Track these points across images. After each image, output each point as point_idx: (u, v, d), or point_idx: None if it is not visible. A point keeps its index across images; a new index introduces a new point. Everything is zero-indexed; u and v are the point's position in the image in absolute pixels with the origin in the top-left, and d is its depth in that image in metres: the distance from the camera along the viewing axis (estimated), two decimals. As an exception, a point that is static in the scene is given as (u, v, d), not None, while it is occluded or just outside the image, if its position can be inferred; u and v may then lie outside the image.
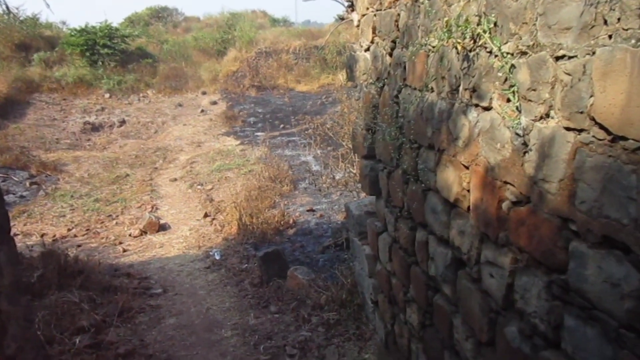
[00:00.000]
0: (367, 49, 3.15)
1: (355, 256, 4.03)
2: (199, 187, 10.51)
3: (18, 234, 8.65)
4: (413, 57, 2.36)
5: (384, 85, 2.91)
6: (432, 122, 2.29)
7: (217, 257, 6.44)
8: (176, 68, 21.70)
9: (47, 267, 5.48)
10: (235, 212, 7.76)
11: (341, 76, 21.50)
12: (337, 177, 9.34)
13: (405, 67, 2.55)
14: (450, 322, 2.34)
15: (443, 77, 2.12)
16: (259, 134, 15.33)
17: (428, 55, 2.23)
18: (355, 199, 8.48)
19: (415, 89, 2.45)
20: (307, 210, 8.17)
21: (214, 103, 19.41)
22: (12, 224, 9.22)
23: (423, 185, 2.46)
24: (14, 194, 11.26)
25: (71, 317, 4.38)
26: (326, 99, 19.67)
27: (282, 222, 7.46)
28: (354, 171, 7.05)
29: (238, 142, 14.62)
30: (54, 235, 8.51)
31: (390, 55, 2.76)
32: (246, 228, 7.06)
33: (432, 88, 2.27)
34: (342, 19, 4.13)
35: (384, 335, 3.59)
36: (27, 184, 11.89)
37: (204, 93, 20.61)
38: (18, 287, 3.61)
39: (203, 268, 6.21)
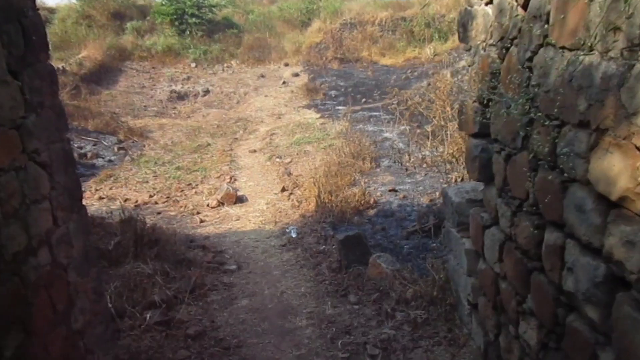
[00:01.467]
0: (490, 2, 2.56)
1: (450, 249, 3.50)
2: (277, 159, 10.27)
3: (104, 198, 8.87)
4: (565, 3, 1.77)
5: (510, 46, 2.32)
6: (588, 92, 1.70)
7: (294, 235, 6.13)
8: (260, 39, 21.59)
9: (125, 235, 5.41)
10: (313, 188, 7.40)
11: (428, 50, 20.47)
12: (422, 156, 8.71)
13: (548, 20, 1.96)
14: (594, 355, 1.79)
15: (616, 29, 1.53)
16: (340, 107, 14.86)
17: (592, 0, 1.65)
18: (442, 180, 7.83)
19: (562, 48, 1.87)
20: (389, 190, 7.64)
21: (296, 75, 19.12)
22: (99, 187, 9.50)
23: (564, 174, 1.89)
24: (103, 157, 11.66)
25: (143, 290, 4.22)
26: (411, 73, 18.78)
27: (362, 202, 7.00)
28: (445, 150, 6.42)
29: (318, 115, 14.26)
30: (137, 201, 8.62)
31: (524, 6, 2.17)
32: (324, 206, 6.68)
33: (591, 46, 1.68)
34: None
35: (483, 345, 3.07)
36: (115, 148, 12.28)
37: (286, 64, 20.37)
38: (88, 258, 3.43)
39: (279, 245, 5.92)
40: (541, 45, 2.04)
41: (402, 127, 11.40)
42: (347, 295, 4.25)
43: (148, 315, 3.93)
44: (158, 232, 5.86)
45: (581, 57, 1.74)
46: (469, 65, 2.77)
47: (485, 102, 2.59)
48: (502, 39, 2.40)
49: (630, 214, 1.55)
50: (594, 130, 1.70)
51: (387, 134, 11.22)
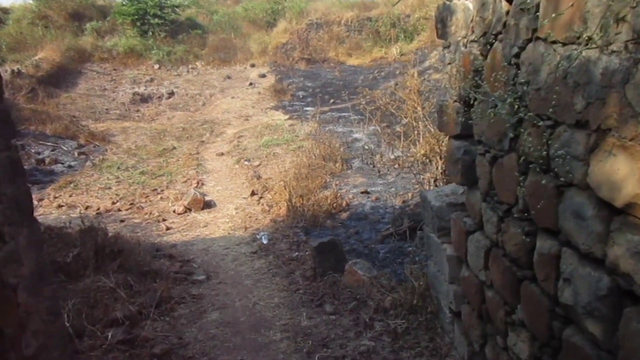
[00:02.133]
0: (471, -5, 2.43)
1: (430, 255, 3.36)
2: (246, 162, 10.02)
3: (63, 206, 8.45)
4: (558, -6, 1.64)
5: (494, 41, 2.19)
6: (586, 90, 1.57)
7: (265, 242, 5.91)
8: (225, 39, 21.22)
9: (85, 246, 5.10)
10: (284, 191, 7.20)
11: (395, 50, 20.53)
12: (394, 157, 8.62)
13: (537, 13, 1.83)
14: (595, 373, 1.66)
15: (620, 20, 1.40)
16: (308, 108, 14.69)
17: (589, -11, 1.51)
18: (414, 181, 7.75)
19: (554, 42, 1.73)
20: (362, 192, 7.51)
21: (263, 76, 18.86)
22: (58, 194, 9.04)
23: (560, 178, 1.75)
24: (62, 163, 11.15)
25: (105, 306, 3.94)
26: (379, 73, 18.78)
27: (334, 205, 6.85)
28: (417, 150, 6.32)
29: (287, 116, 14.05)
30: (98, 208, 8.24)
31: (509, -1, 2.04)
32: (296, 210, 6.49)
33: (589, 39, 1.54)
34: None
35: (467, 355, 2.94)
36: (76, 153, 11.77)
37: (252, 65, 20.08)
38: (42, 275, 3.14)
39: (249, 253, 5.70)
40: (530, 40, 1.90)
41: (372, 128, 11.31)
42: (323, 304, 4.06)
43: (110, 334, 3.65)
44: (121, 242, 5.55)
45: (576, 52, 1.61)
46: (449, 63, 2.63)
47: (467, 101, 2.45)
48: (484, 34, 2.26)
49: (638, 222, 1.42)
50: (593, 130, 1.57)
51: (357, 135, 11.12)
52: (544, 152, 1.83)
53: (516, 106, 1.98)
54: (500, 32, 2.13)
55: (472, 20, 2.41)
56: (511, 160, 2.10)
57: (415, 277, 3.64)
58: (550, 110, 1.75)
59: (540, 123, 1.84)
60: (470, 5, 2.42)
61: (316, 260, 4.44)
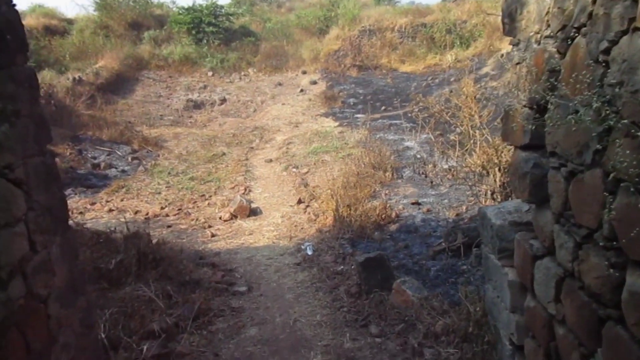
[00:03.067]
0: (545, -16, 2.10)
1: (488, 278, 3.02)
2: (294, 169, 9.86)
3: (114, 210, 8.56)
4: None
5: (575, 36, 1.86)
6: None
7: (309, 253, 5.68)
8: (277, 47, 21.32)
9: (129, 252, 5.03)
10: (331, 200, 6.96)
11: (449, 56, 19.96)
12: (447, 167, 8.21)
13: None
14: None
15: None
16: (358, 115, 14.43)
17: None
18: (468, 193, 7.32)
19: (658, 33, 1.40)
20: (412, 203, 7.16)
21: (314, 83, 18.78)
22: (110, 198, 9.19)
23: (662, 201, 1.41)
24: (116, 167, 11.40)
25: (141, 317, 3.81)
26: (432, 80, 18.30)
27: (383, 216, 6.53)
28: (473, 160, 5.92)
29: (337, 123, 13.85)
30: (147, 214, 8.29)
31: (596, -14, 1.71)
32: (343, 220, 6.23)
33: None
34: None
35: (530, 396, 2.58)
36: (129, 158, 12.03)
37: (304, 72, 20.05)
38: (75, 286, 3.03)
39: (293, 264, 5.48)
40: (625, 32, 1.57)
41: (424, 136, 10.91)
42: (368, 325, 3.77)
43: (145, 347, 3.51)
44: (164, 250, 5.48)
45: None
46: (518, 63, 2.31)
47: (540, 106, 2.12)
48: (563, 28, 1.94)
49: None
50: None
51: (408, 143, 10.74)
52: (640, 168, 1.49)
53: (604, 112, 1.65)
54: (584, 25, 1.80)
55: (547, 13, 2.09)
56: (595, 176, 1.76)
57: (470, 301, 3.30)
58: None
59: (632, 132, 1.51)
60: (546, -5, 2.09)
61: (362, 276, 4.16)
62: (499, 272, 2.83)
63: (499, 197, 5.51)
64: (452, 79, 16.79)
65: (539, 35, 2.16)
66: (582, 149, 1.84)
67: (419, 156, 9.45)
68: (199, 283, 4.83)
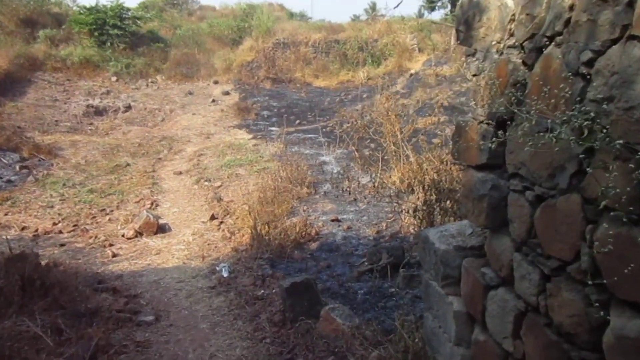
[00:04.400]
0: (508, -11, 1.92)
1: (429, 307, 2.80)
2: (206, 183, 9.31)
3: (-5, 225, 7.51)
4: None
5: (547, 45, 1.68)
6: None
7: (225, 275, 5.23)
8: (188, 54, 20.52)
9: (11, 278, 4.29)
10: (247, 217, 6.55)
11: (362, 73, 20.36)
12: (367, 182, 8.12)
13: (630, 3, 1.33)
14: None
15: None
16: (273, 128, 14.14)
17: None
18: (387, 209, 7.24)
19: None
20: (332, 220, 6.94)
21: (226, 93, 18.24)
22: (-8, 212, 8.01)
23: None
24: (0, 177, 10.13)
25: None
26: (345, 96, 18.51)
27: (303, 234, 6.24)
28: (394, 176, 5.82)
29: (251, 136, 13.43)
30: (36, 230, 7.36)
31: (572, -9, 1.53)
32: (261, 238, 5.85)
33: None
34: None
35: None
36: (17, 167, 10.77)
37: (216, 82, 19.43)
38: None
39: (207, 288, 5.00)
40: (614, 41, 1.40)
41: (340, 151, 10.83)
42: (295, 359, 3.41)
43: (26, 399, 2.90)
44: (55, 273, 4.77)
45: None
46: (475, 75, 2.12)
47: (500, 122, 1.93)
48: (532, 37, 1.76)
49: None
50: None
51: (324, 158, 10.59)
52: (636, 195, 1.31)
53: (586, 131, 1.46)
54: (559, 33, 1.62)
55: (511, 20, 1.91)
56: (571, 202, 1.58)
57: (407, 331, 3.06)
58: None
59: (629, 156, 1.33)
60: (509, 1, 1.91)
61: (287, 303, 3.80)
62: (442, 300, 2.61)
63: (420, 214, 5.43)
64: (364, 96, 17.05)
65: (500, 45, 1.98)
66: (554, 172, 1.65)
67: (335, 171, 9.31)
68: (97, 313, 4.20)
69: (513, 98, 1.78)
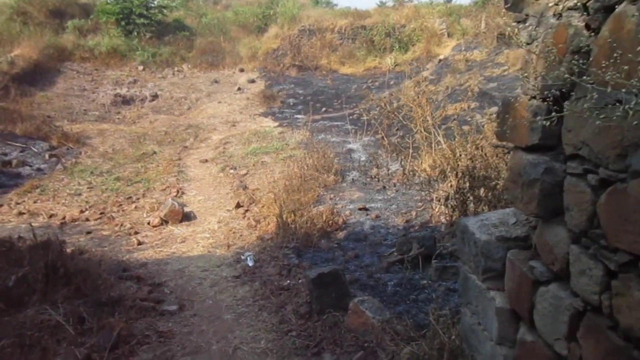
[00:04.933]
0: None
1: (468, 302, 2.59)
2: (231, 171, 9.21)
3: (24, 213, 7.60)
4: None
5: (615, 5, 1.44)
6: None
7: (250, 264, 5.10)
8: (214, 43, 20.44)
9: (35, 265, 4.24)
10: (273, 205, 6.41)
11: (389, 59, 19.97)
12: (393, 170, 7.88)
13: None
14: None
15: None
16: (299, 116, 13.96)
17: None
18: (417, 198, 7.00)
19: None
20: (359, 209, 6.74)
21: (252, 81, 18.13)
22: (20, 200, 8.11)
23: None
24: (30, 165, 10.25)
25: (43, 350, 3.09)
26: (372, 83, 18.22)
27: (330, 222, 6.06)
28: (424, 164, 5.57)
29: (276, 124, 13.30)
30: (64, 218, 7.39)
31: None
32: (287, 227, 5.69)
33: None
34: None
35: None
36: (46, 155, 10.89)
37: (241, 70, 19.35)
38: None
39: (232, 277, 4.88)
40: None
41: (367, 138, 10.60)
42: (321, 353, 3.24)
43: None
44: (79, 261, 4.72)
45: None
46: (527, 43, 1.88)
47: (557, 97, 1.69)
48: (599, -5, 1.52)
49: None
50: None
51: (351, 145, 10.37)
52: None
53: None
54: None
55: (571, -22, 1.67)
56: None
57: (442, 326, 2.86)
58: None
59: None
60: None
61: (313, 295, 3.63)
62: (482, 295, 2.40)
63: (453, 203, 5.18)
64: (392, 82, 16.70)
65: (559, 7, 1.74)
66: (625, 151, 1.42)
67: (363, 158, 9.09)
68: (120, 302, 4.12)
69: (576, 67, 1.55)
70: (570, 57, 1.63)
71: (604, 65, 1.43)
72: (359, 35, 21.51)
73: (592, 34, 1.59)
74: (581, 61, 1.56)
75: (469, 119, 10.36)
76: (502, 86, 12.94)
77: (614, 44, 1.42)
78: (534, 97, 1.86)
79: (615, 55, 1.40)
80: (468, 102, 11.98)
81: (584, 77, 1.49)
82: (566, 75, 1.56)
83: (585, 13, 1.61)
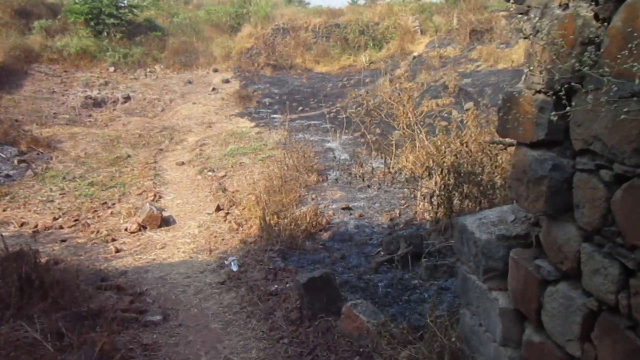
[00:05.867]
0: None
1: (468, 302, 2.53)
2: (209, 173, 9.03)
3: (-7, 222, 7.26)
4: None
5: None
6: None
7: (234, 269, 4.97)
8: (186, 43, 20.09)
9: (7, 278, 4.04)
10: (255, 207, 6.29)
11: (364, 57, 19.96)
12: (373, 168, 7.82)
13: None
14: None
15: None
16: (275, 116, 13.83)
17: None
18: (399, 196, 6.96)
19: None
20: (342, 208, 6.67)
21: (227, 81, 17.89)
22: (-11, 208, 7.72)
23: None
24: (-2, 172, 9.86)
25: (21, 370, 2.91)
26: (348, 81, 18.17)
27: (314, 223, 5.97)
28: (406, 161, 5.52)
29: (253, 124, 13.13)
30: (36, 226, 7.11)
31: None
32: (270, 229, 5.57)
33: None
34: None
35: None
36: (15, 161, 10.49)
37: (215, 70, 19.07)
38: None
39: (216, 283, 4.74)
40: None
41: (345, 137, 10.53)
42: (316, 360, 3.15)
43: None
44: (55, 272, 4.51)
45: None
46: (530, 35, 1.82)
47: (564, 91, 1.63)
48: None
49: None
50: None
51: (330, 144, 10.29)
52: None
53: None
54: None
55: (579, -34, 1.61)
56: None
57: (440, 328, 2.79)
58: None
59: None
60: (576, -57, 1.60)
61: (304, 300, 3.53)
62: (484, 296, 2.33)
63: (435, 200, 5.14)
64: (367, 80, 16.67)
65: (567, -3, 1.67)
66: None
67: (343, 157, 9.02)
68: (100, 314, 3.95)
69: (588, 59, 1.48)
70: (579, 49, 1.57)
71: (618, 56, 1.37)
72: (333, 33, 21.46)
73: (603, 24, 1.53)
74: (591, 53, 1.50)
75: (446, 115, 10.41)
76: (477, 81, 13.04)
77: (627, 35, 1.35)
78: (539, 92, 1.79)
79: (629, 46, 1.33)
80: (444, 99, 12.05)
81: (598, 70, 1.43)
82: (577, 67, 1.49)
83: (593, 3, 1.55)
